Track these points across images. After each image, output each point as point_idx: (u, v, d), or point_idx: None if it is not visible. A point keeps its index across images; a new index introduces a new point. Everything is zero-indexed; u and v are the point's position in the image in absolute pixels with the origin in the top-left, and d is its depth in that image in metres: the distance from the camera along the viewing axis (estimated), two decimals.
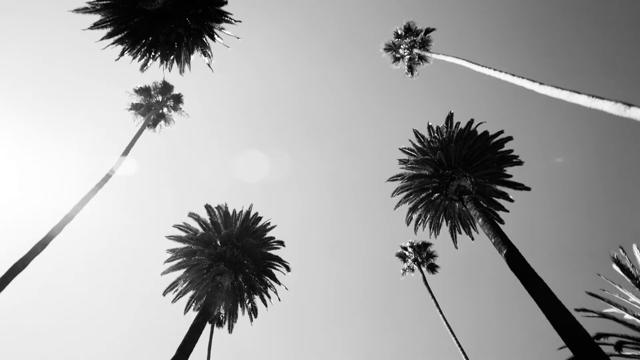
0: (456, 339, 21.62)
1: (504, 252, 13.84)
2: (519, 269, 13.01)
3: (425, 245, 27.47)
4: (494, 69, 15.41)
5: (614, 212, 58.98)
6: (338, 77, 68.40)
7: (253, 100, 69.98)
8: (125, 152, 17.28)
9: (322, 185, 70.68)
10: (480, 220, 15.99)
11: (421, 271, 26.51)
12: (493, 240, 14.69)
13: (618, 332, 12.10)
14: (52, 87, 57.26)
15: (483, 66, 16.38)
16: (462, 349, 21.83)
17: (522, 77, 13.49)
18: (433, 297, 23.97)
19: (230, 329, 19.92)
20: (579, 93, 10.41)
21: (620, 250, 13.76)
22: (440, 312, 23.05)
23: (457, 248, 20.47)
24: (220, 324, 27.54)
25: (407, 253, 27.97)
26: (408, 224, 21.17)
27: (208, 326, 26.23)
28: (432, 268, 27.20)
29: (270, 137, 71.12)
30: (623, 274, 13.19)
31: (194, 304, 19.56)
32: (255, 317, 19.66)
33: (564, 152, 60.18)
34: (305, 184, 70.88)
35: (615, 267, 13.63)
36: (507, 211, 19.79)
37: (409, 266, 27.69)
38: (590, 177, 59.59)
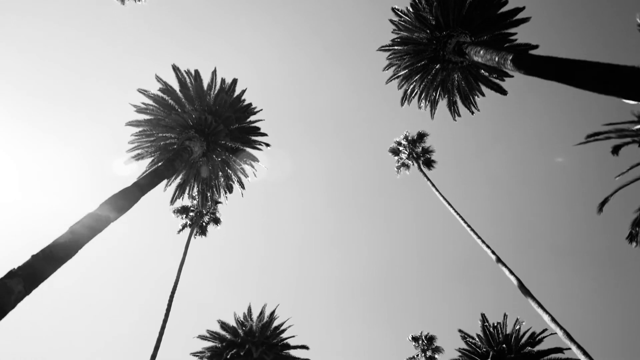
0: (460, 216, 19.67)
1: (510, 58, 11.92)
2: (527, 62, 11.09)
3: (421, 136, 25.20)
4: None
5: (614, 211, 57.67)
6: (336, 75, 66.94)
7: (252, 100, 68.53)
8: None
9: (321, 182, 69.52)
10: (481, 52, 14.01)
11: (417, 163, 24.37)
12: (497, 58, 12.73)
13: None
14: (52, 87, 55.58)
15: None
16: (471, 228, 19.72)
17: None
18: (433, 184, 21.86)
19: (202, 207, 17.97)
20: None
21: None
22: (438, 192, 20.89)
23: (455, 120, 18.50)
24: (203, 232, 25.76)
25: (400, 148, 25.76)
26: (402, 103, 19.19)
27: (186, 231, 24.40)
28: (429, 163, 25.03)
29: (268, 136, 69.68)
30: None
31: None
32: (230, 192, 17.73)
33: (564, 152, 58.96)
34: (303, 179, 69.58)
35: None
36: (512, 76, 17.82)
37: (403, 163, 25.55)
38: (590, 177, 58.11)
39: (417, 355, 29.33)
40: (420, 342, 29.68)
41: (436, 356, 29.12)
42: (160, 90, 15.92)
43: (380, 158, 71.43)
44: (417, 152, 25.15)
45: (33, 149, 55.39)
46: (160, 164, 13.68)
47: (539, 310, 13.93)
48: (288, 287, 68.39)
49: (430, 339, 29.62)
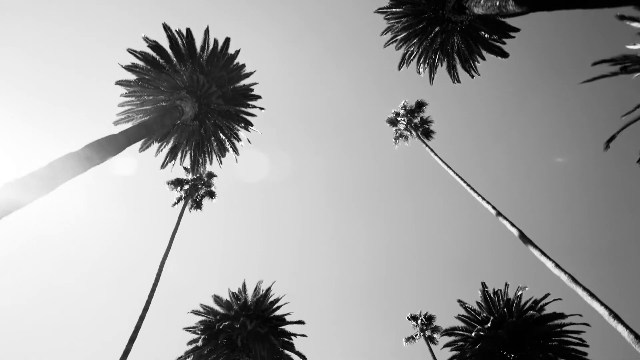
0: (461, 178, 19.19)
1: None
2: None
3: (420, 105, 24.58)
4: None
5: (614, 212, 57.42)
6: (336, 75, 66.69)
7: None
8: None
9: (321, 182, 69.36)
10: (482, 0, 13.52)
11: (416, 133, 23.82)
12: (498, 2, 12.22)
13: None
14: (52, 87, 55.21)
15: None
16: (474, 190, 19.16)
17: None
18: (432, 150, 21.37)
19: (193, 172, 17.50)
20: None
21: None
22: (437, 157, 20.39)
23: (454, 83, 17.99)
24: (198, 206, 25.26)
25: (399, 118, 25.19)
26: (400, 66, 18.67)
27: (181, 204, 23.89)
28: (427, 134, 24.49)
29: (268, 136, 69.54)
30: None
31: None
32: (223, 156, 17.25)
33: (564, 152, 58.67)
34: (303, 179, 69.40)
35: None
36: (513, 37, 17.32)
37: (401, 133, 25.02)
38: (591, 177, 57.77)
39: (416, 335, 28.91)
40: (419, 321, 29.23)
41: (435, 336, 28.68)
42: (149, 47, 15.38)
43: (380, 155, 71.14)
44: (416, 122, 24.52)
45: (33, 149, 55.05)
46: (149, 119, 13.18)
47: (542, 258, 13.49)
48: (286, 278, 68.07)
49: (430, 318, 29.16)
